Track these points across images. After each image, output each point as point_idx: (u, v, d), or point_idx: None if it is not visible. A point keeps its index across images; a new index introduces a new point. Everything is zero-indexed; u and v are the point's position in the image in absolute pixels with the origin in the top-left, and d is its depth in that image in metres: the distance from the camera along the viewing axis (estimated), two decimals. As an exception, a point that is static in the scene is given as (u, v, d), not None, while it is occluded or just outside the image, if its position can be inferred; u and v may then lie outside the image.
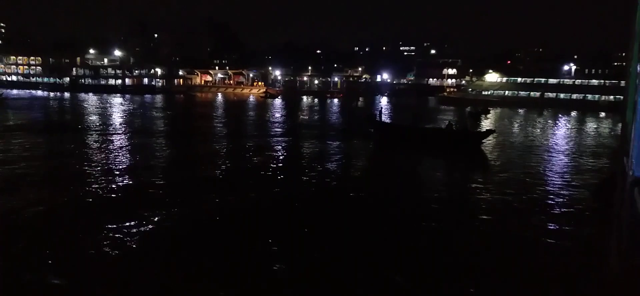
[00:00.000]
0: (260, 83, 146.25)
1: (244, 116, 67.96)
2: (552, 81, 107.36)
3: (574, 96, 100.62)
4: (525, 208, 19.85)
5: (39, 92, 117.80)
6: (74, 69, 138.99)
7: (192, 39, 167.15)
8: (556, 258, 14.34)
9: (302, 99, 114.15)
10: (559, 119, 71.09)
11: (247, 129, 51.12)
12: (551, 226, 17.42)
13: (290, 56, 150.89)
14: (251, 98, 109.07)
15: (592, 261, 14.24)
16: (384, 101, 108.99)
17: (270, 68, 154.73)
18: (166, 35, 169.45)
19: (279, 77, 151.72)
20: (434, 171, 29.38)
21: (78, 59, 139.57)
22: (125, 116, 61.47)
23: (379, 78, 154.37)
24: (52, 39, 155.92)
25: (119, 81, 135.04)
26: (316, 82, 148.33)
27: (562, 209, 19.45)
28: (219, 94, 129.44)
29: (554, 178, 25.74)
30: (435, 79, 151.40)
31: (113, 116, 59.18)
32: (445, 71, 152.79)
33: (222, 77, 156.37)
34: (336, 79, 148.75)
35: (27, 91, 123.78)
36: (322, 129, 49.40)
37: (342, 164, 30.22)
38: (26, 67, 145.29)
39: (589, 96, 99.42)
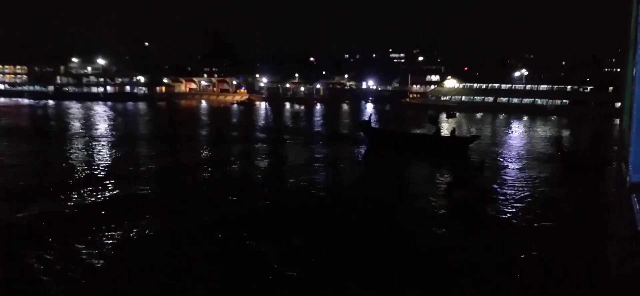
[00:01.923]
0: (243, 91, 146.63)
1: (228, 123, 67.80)
2: (504, 86, 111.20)
3: (525, 101, 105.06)
4: (516, 210, 19.90)
5: (26, 101, 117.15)
6: (57, 77, 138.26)
7: (185, 47, 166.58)
8: (554, 262, 14.36)
9: (285, 105, 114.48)
10: (513, 122, 73.03)
11: (232, 135, 50.99)
12: (548, 228, 17.47)
13: (279, 63, 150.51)
14: (234, 106, 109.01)
15: (590, 265, 14.29)
16: (369, 107, 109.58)
17: (257, 75, 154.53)
18: (158, 43, 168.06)
19: (263, 85, 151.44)
20: (422, 173, 29.57)
21: (62, 67, 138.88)
22: (105, 123, 60.93)
23: (364, 85, 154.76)
24: (47, 48, 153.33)
25: (102, 89, 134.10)
26: (302, 89, 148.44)
27: (557, 213, 19.57)
28: (203, 101, 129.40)
29: (540, 179, 25.92)
30: (419, 86, 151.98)
31: (94, 123, 58.49)
32: (428, 78, 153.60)
33: (206, 85, 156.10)
34: (319, 85, 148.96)
35: (13, 99, 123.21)
36: (307, 135, 49.38)
37: (333, 168, 30.25)
38: (12, 75, 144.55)
39: (538, 101, 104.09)
